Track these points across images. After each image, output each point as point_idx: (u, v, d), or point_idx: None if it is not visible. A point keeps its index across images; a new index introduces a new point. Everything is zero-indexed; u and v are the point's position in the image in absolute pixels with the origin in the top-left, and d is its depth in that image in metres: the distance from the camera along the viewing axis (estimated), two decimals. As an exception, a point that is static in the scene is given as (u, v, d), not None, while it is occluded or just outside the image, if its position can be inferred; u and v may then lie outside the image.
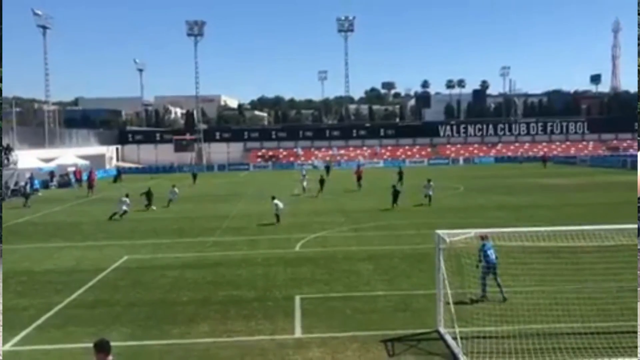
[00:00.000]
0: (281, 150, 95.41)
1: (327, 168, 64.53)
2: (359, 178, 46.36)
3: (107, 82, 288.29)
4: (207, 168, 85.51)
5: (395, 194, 33.35)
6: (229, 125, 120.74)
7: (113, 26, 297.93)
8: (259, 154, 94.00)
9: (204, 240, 24.22)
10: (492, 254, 13.94)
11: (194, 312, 14.19)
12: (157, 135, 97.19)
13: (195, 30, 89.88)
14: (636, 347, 10.95)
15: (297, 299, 14.99)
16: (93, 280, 17.47)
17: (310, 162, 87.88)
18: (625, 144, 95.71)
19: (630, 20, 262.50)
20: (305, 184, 44.48)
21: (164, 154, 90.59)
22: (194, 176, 59.64)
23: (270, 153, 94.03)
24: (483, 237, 13.66)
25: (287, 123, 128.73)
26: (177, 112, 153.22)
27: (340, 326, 12.74)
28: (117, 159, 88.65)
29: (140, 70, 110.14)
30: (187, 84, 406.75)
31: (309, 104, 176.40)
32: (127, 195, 33.12)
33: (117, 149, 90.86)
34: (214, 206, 36.68)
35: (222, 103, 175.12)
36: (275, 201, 28.24)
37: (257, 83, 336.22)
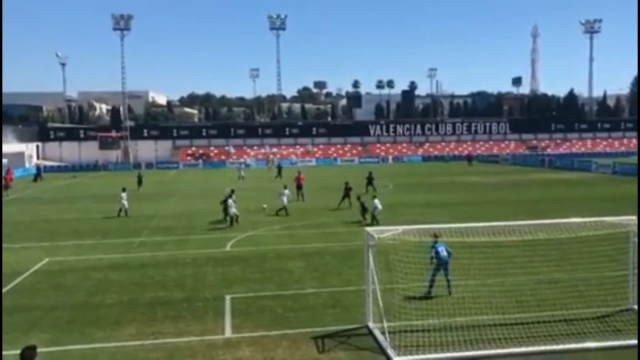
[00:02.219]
0: (212, 148, 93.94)
1: (279, 168, 56.34)
2: (299, 187, 36.98)
3: (26, 76, 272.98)
4: (134, 166, 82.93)
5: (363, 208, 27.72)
6: (157, 122, 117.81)
7: (32, 16, 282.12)
8: (189, 152, 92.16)
9: (131, 240, 23.48)
10: (442, 251, 14.33)
11: (120, 314, 13.74)
12: (81, 132, 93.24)
13: (122, 24, 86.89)
14: (552, 335, 11.58)
15: (228, 298, 14.82)
16: (10, 285, 16.53)
17: (242, 160, 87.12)
18: (543, 144, 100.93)
19: (547, 26, 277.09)
20: (242, 173, 54.38)
21: (88, 151, 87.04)
22: (140, 179, 46.86)
23: (201, 151, 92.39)
24: (436, 235, 14.03)
25: (218, 121, 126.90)
26: (102, 108, 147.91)
27: (270, 325, 12.71)
28: (38, 157, 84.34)
29: (63, 65, 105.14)
30: (113, 79, 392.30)
31: (240, 101, 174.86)
32: (124, 190, 31.47)
33: (37, 146, 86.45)
34: (142, 205, 35.58)
35: (150, 99, 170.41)
36: (230, 200, 27.00)
37: (187, 79, 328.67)
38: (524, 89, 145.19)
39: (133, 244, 22.82)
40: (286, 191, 31.18)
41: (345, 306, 14.05)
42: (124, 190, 31.49)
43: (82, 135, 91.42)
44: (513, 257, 15.06)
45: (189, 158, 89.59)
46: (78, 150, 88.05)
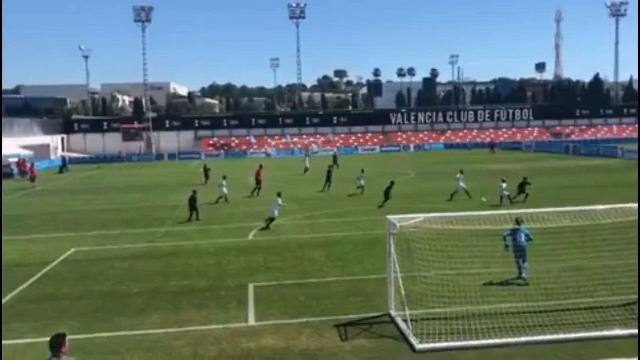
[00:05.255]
0: (233, 138, 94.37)
1: (334, 158, 54.49)
2: (257, 181, 35.01)
3: (51, 69, 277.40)
4: (156, 157, 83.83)
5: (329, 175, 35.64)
6: (178, 113, 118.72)
7: (56, 11, 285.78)
8: (211, 142, 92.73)
9: (155, 230, 23.81)
10: (521, 237, 14.28)
11: (145, 303, 13.97)
12: (104, 123, 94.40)
13: (143, 16, 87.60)
14: (576, 323, 11.46)
15: (251, 287, 14.96)
16: (38, 274, 16.92)
17: (263, 150, 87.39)
18: (567, 130, 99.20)
19: (571, 10, 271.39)
20: (307, 163, 50.45)
21: (111, 143, 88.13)
22: (206, 172, 43.10)
23: (222, 141, 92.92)
24: (518, 221, 13.98)
25: (239, 111, 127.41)
26: (124, 100, 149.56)
27: (293, 313, 12.81)
28: (63, 149, 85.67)
29: (86, 57, 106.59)
30: (135, 71, 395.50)
31: (261, 91, 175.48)
32: (224, 178, 32.19)
33: (62, 138, 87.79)
34: (165, 196, 36.03)
35: (172, 91, 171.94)
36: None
37: (207, 70, 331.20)
38: (548, 75, 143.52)
39: (157, 233, 23.13)
40: (363, 175, 33.94)
41: (367, 294, 14.08)
42: (224, 177, 32.22)
43: (105, 127, 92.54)
44: (537, 245, 14.89)
45: (210, 148, 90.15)
46: (102, 141, 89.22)
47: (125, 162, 78.58)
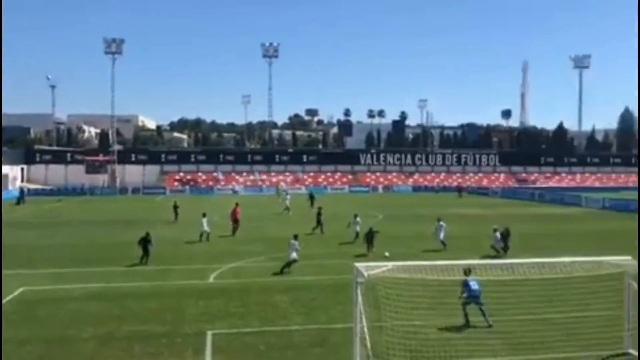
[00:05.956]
0: (200, 174, 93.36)
1: (312, 197, 53.80)
2: (235, 220, 33.33)
3: (14, 97, 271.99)
4: (120, 191, 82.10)
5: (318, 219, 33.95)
6: (145, 146, 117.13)
7: (23, 36, 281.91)
8: (177, 177, 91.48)
9: (112, 269, 22.79)
10: (474, 285, 14.25)
11: (95, 350, 13.10)
12: (68, 155, 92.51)
13: (114, 47, 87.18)
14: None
15: (209, 334, 14.20)
16: (-19, 316, 15.80)
17: (230, 186, 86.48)
18: (533, 177, 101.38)
19: (538, 61, 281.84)
20: (287, 203, 48.09)
21: (74, 175, 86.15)
22: (176, 209, 41.42)
23: (189, 177, 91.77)
24: (466, 271, 13.88)
25: (207, 146, 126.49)
26: (91, 131, 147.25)
27: (252, 364, 12.11)
28: (22, 180, 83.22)
29: (53, 87, 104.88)
30: (104, 102, 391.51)
31: (231, 127, 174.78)
32: (204, 215, 31.15)
33: (22, 168, 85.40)
34: (126, 232, 34.81)
35: (140, 123, 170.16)
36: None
37: (177, 104, 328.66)
38: (514, 122, 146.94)
39: (115, 272, 22.13)
40: (357, 221, 30.59)
41: (332, 345, 13.49)
42: (204, 215, 31.14)
43: (68, 159, 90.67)
44: (505, 296, 14.58)
45: (176, 184, 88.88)
46: (64, 173, 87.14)
47: (87, 196, 76.67)
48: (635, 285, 12.41)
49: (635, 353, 12.45)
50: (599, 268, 12.35)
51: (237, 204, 35.08)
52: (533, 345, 12.82)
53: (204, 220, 30.75)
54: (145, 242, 23.96)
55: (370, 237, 26.55)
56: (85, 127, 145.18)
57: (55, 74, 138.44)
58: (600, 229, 37.53)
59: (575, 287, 13.67)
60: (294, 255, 22.11)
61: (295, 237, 22.68)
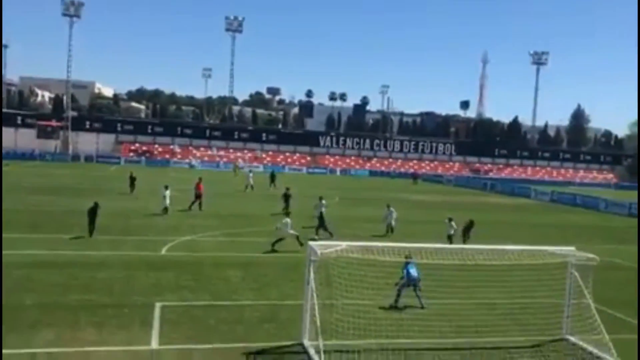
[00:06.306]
0: (157, 146, 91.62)
1: (273, 176, 52.50)
2: (198, 196, 32.81)
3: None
4: (72, 158, 79.89)
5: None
6: (101, 114, 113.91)
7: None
8: (132, 147, 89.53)
9: (60, 237, 22.18)
10: (414, 271, 14.63)
11: (38, 317, 12.74)
12: (19, 118, 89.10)
13: (72, 10, 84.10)
14: (487, 363, 11.46)
15: (158, 306, 14.02)
16: None
17: (187, 160, 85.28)
18: (486, 167, 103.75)
19: (497, 54, 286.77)
20: (251, 181, 47.70)
21: (24, 139, 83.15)
22: (132, 180, 40.45)
23: (144, 148, 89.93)
24: (407, 257, 14.09)
25: (165, 118, 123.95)
26: (44, 95, 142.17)
27: (201, 337, 12.06)
28: (-32, 141, 79.83)
29: (5, 46, 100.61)
30: (59, 67, 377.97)
31: (190, 100, 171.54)
32: (166, 188, 30.20)
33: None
34: (77, 200, 33.92)
35: (96, 91, 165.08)
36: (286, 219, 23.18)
37: (136, 73, 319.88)
38: (471, 113, 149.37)
39: (63, 240, 21.56)
40: (323, 203, 28.22)
41: (282, 321, 13.55)
42: (166, 187, 30.30)
43: (19, 122, 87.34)
44: (454, 280, 14.94)
45: (131, 154, 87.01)
46: (14, 137, 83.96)
47: (37, 161, 74.23)
48: (577, 274, 12.91)
49: (573, 339, 13.01)
50: (545, 257, 12.80)
51: (200, 179, 34.49)
52: (478, 328, 13.20)
53: (167, 192, 30.08)
54: (93, 212, 23.15)
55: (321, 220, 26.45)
56: (39, 91, 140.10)
57: (7, 32, 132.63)
58: (548, 221, 38.84)
59: (521, 275, 14.16)
60: (291, 230, 22.05)
61: (287, 214, 23.68)
